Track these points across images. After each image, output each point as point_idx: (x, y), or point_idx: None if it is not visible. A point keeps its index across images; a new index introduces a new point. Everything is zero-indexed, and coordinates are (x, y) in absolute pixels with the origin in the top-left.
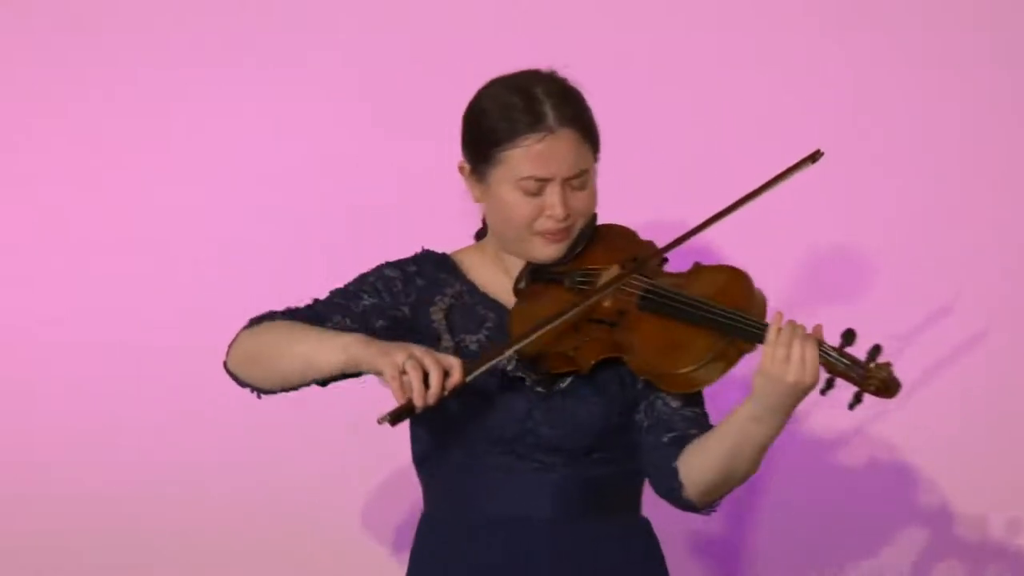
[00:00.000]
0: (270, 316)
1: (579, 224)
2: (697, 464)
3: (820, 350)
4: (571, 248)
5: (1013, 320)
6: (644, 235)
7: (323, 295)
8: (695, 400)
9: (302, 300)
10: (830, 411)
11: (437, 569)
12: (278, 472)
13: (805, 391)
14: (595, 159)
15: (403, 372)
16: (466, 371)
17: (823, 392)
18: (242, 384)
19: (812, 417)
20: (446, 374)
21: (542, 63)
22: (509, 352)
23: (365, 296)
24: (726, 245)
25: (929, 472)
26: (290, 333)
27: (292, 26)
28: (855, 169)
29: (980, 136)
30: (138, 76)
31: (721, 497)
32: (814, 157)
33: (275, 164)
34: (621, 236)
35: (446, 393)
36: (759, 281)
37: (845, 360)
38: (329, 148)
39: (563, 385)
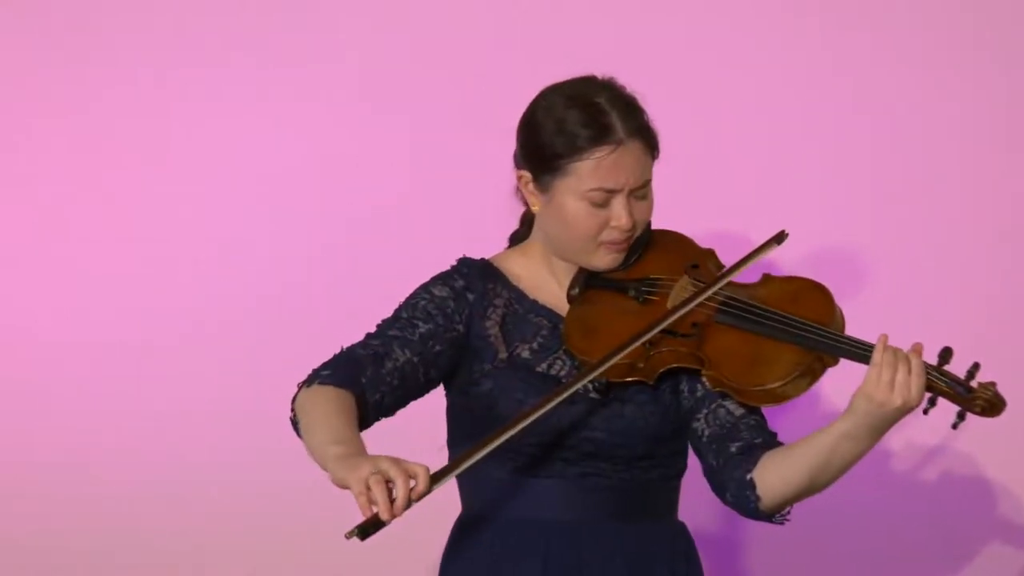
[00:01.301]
0: (322, 376)
1: (639, 232)
2: (779, 477)
3: (935, 376)
4: (628, 255)
5: (1011, 324)
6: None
7: (381, 317)
8: (756, 408)
9: (355, 326)
10: (829, 410)
11: (476, 569)
12: (279, 472)
13: (908, 412)
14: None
15: (368, 488)
16: (434, 478)
17: (926, 412)
18: None
19: (810, 415)
20: (414, 482)
21: (542, 63)
22: (545, 408)
23: (420, 324)
24: (717, 242)
25: (927, 470)
26: (312, 421)
27: (292, 26)
28: (851, 169)
29: (979, 137)
30: (138, 76)
31: (791, 506)
32: (779, 239)
33: (275, 164)
34: (677, 242)
35: (414, 502)
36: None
37: (949, 380)
38: (329, 148)
39: (620, 392)
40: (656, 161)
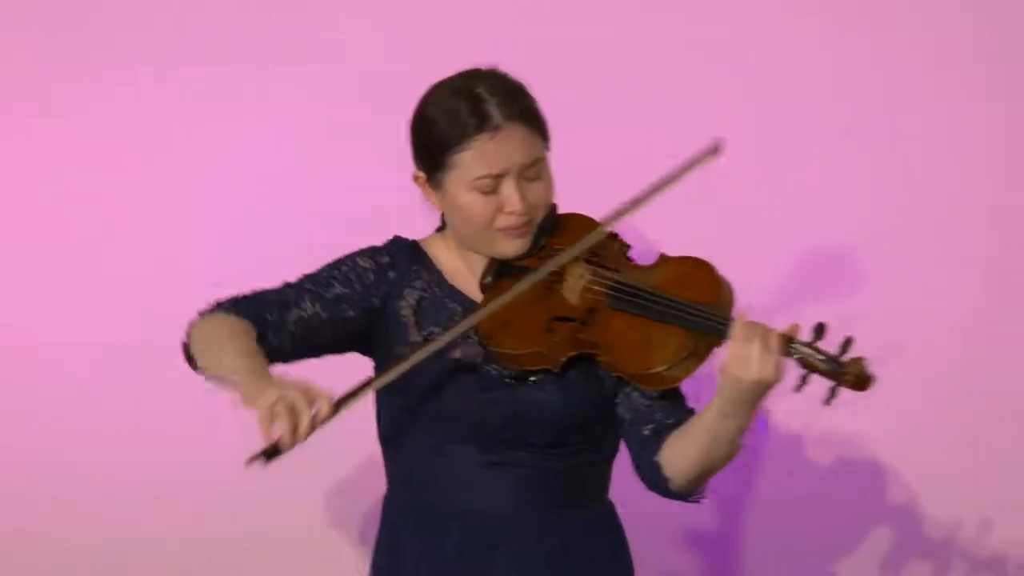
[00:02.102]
0: (226, 306)
1: (539, 216)
2: (681, 456)
3: (792, 346)
4: (535, 241)
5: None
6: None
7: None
8: (671, 388)
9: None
10: (825, 406)
11: (397, 554)
12: (280, 471)
13: (768, 388)
14: (547, 149)
15: (274, 413)
16: (338, 404)
17: (798, 389)
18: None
19: (807, 412)
20: (317, 409)
21: (542, 63)
22: (418, 357)
23: (336, 284)
24: (719, 243)
25: (922, 468)
26: (215, 340)
27: (292, 26)
28: (847, 169)
29: (973, 136)
30: (138, 76)
31: (706, 484)
32: (714, 151)
33: (275, 164)
34: (583, 225)
35: (317, 428)
36: (750, 281)
37: (819, 355)
38: (329, 148)
39: (532, 380)
40: (548, 149)
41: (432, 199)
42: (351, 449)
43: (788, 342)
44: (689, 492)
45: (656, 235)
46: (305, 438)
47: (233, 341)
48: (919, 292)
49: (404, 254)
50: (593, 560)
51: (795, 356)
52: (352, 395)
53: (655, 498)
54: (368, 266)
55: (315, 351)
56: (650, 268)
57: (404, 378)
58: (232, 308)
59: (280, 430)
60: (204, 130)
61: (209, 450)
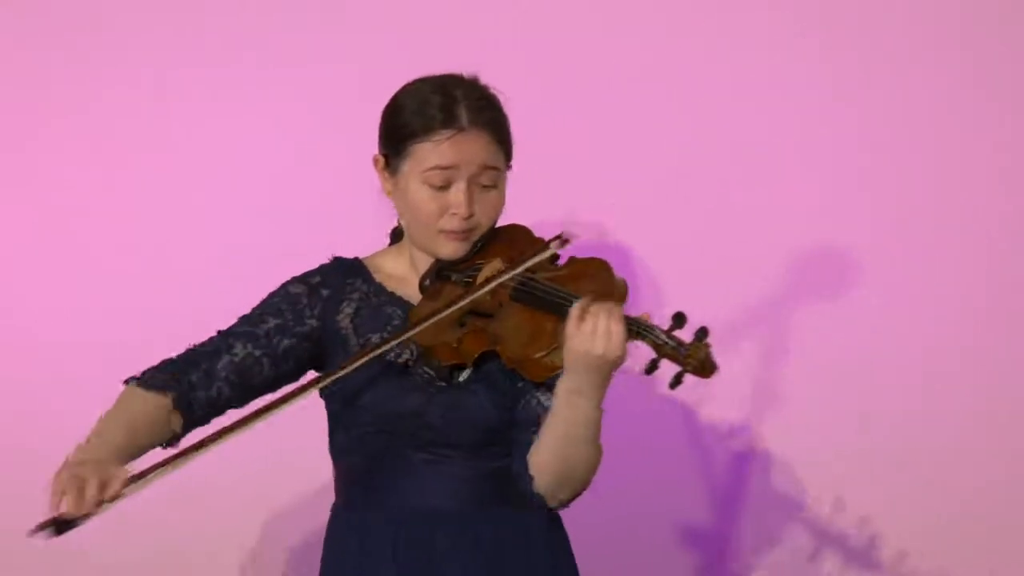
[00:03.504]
0: (141, 379)
1: (484, 226)
2: (537, 454)
3: (638, 326)
4: (473, 247)
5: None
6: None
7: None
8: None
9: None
10: (822, 404)
11: (342, 560)
12: (280, 471)
13: (612, 364)
14: (506, 166)
15: (61, 487)
16: (131, 480)
17: (647, 372)
18: None
19: (802, 409)
20: (104, 487)
21: (542, 63)
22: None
23: (269, 319)
24: (710, 244)
25: (921, 467)
26: (103, 418)
27: (292, 26)
28: (841, 168)
29: (965, 135)
30: (138, 76)
31: (572, 493)
32: (562, 241)
33: (275, 164)
34: (518, 234)
35: (106, 502)
36: (741, 280)
37: (663, 338)
38: (329, 148)
39: (460, 379)
40: (509, 169)
41: (386, 185)
42: None
43: (634, 322)
44: (553, 495)
45: (655, 234)
46: (88, 509)
47: (106, 424)
48: (919, 292)
49: (338, 271)
50: (531, 560)
51: (641, 337)
52: (147, 473)
53: (659, 499)
54: (299, 291)
55: (261, 389)
56: (559, 267)
57: (342, 383)
58: (143, 383)
59: (66, 503)
60: (204, 130)
61: (210, 449)
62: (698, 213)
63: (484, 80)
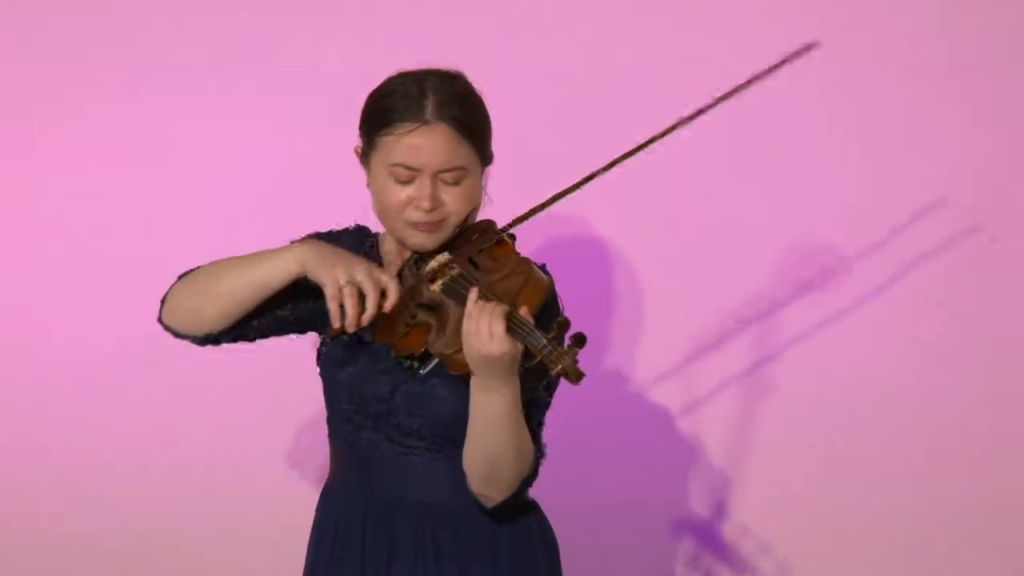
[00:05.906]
0: (198, 267)
1: (453, 219)
2: (466, 452)
3: (514, 326)
4: (448, 241)
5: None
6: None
7: None
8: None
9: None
10: (819, 401)
11: (320, 539)
12: (280, 471)
13: (501, 361)
14: (480, 163)
15: (342, 293)
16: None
17: (522, 367)
18: (181, 335)
19: (798, 406)
20: (383, 295)
21: (541, 63)
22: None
23: None
24: (704, 241)
25: (920, 467)
26: (237, 261)
27: (293, 26)
28: (836, 167)
29: (953, 134)
30: (138, 76)
31: (501, 492)
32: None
33: (275, 164)
34: (478, 229)
35: (384, 312)
36: (735, 277)
37: (535, 339)
38: (329, 148)
39: (422, 372)
40: (488, 165)
41: (366, 176)
42: None
43: (511, 321)
44: (483, 495)
45: (651, 234)
46: (370, 321)
47: (252, 254)
48: (917, 292)
49: (357, 238)
50: (497, 556)
51: (520, 339)
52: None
53: (666, 490)
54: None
55: (278, 326)
56: (502, 265)
57: (330, 349)
58: (205, 266)
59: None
60: (204, 130)
61: (210, 450)
62: (684, 210)
63: (479, 79)
